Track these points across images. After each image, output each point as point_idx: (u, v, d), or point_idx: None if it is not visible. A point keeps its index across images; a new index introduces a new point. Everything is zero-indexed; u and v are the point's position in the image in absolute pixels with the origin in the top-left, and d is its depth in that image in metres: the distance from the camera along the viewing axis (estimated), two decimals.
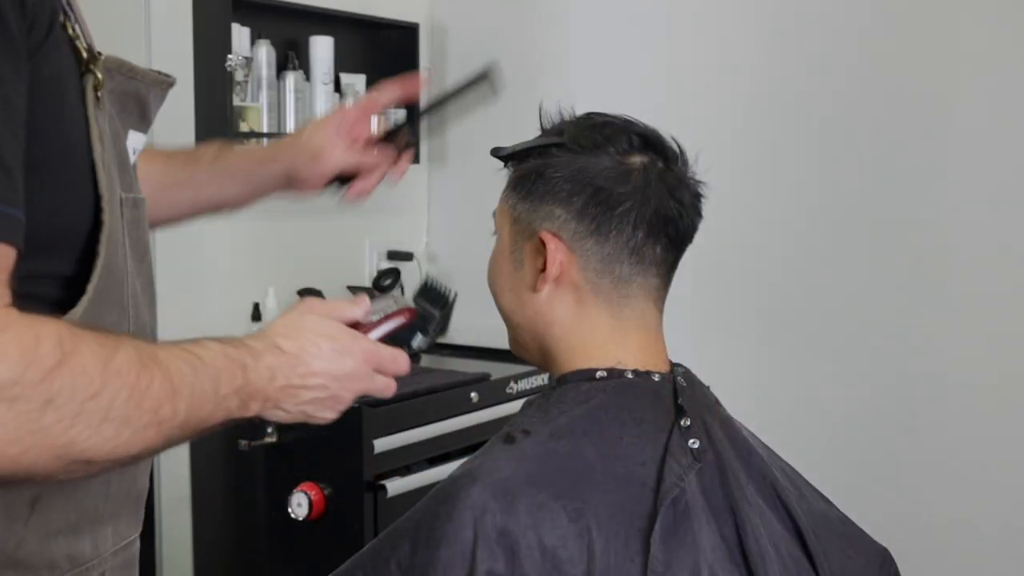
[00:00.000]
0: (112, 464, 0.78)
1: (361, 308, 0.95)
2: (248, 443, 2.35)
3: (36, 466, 0.73)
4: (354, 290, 2.89)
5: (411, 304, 0.95)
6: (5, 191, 0.73)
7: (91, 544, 0.91)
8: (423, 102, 1.19)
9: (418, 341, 0.94)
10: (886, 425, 2.42)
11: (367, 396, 0.93)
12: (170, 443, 0.81)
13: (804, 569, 0.96)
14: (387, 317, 0.95)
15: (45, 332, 0.73)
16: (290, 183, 1.24)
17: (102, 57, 0.91)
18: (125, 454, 0.77)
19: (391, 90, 1.27)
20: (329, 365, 0.89)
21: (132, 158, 0.98)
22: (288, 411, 0.90)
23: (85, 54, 0.88)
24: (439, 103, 1.16)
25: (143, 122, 1.02)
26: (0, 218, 0.73)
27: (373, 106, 1.23)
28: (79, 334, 0.75)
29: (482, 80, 1.15)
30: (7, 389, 0.69)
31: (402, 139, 1.21)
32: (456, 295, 0.95)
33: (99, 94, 0.87)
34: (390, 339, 0.95)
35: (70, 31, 0.87)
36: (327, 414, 0.92)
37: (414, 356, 0.96)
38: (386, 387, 0.94)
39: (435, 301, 0.96)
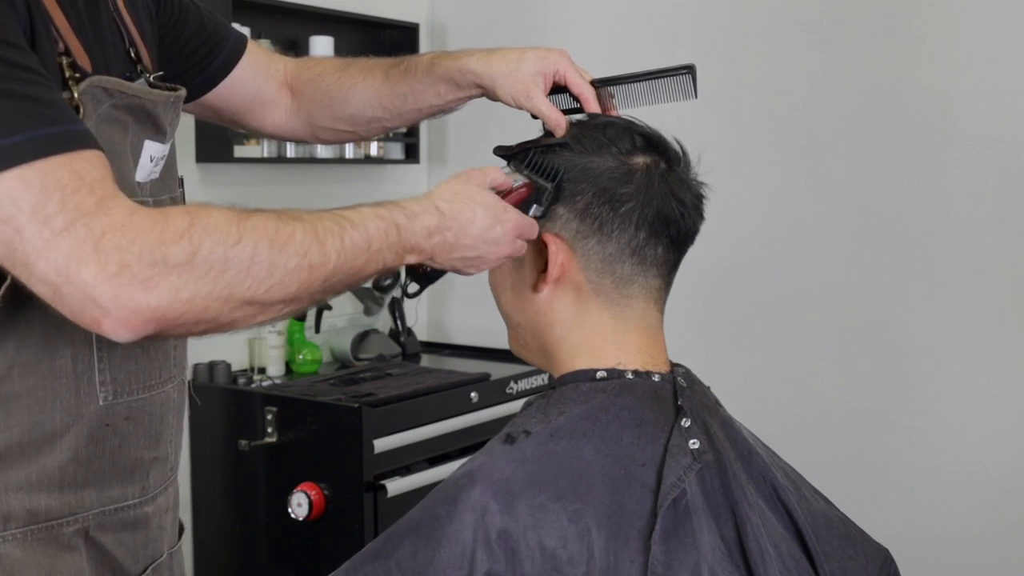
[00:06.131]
0: (282, 305, 0.89)
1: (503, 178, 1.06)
2: (248, 443, 2.35)
3: (211, 311, 0.84)
4: (357, 292, 2.89)
5: (526, 178, 1.03)
6: (68, 114, 0.86)
7: (60, 503, 1.02)
8: (613, 75, 1.16)
9: (533, 211, 1.02)
10: (887, 425, 2.42)
11: (508, 257, 1.03)
12: (332, 288, 0.93)
13: (804, 569, 0.96)
14: (511, 191, 1.03)
15: (173, 209, 0.86)
16: (486, 95, 1.29)
17: (90, 77, 0.98)
18: (285, 294, 0.88)
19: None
20: (482, 231, 0.99)
21: (151, 165, 1.08)
22: (441, 263, 1.01)
23: (67, 72, 0.95)
24: (628, 79, 1.15)
25: (158, 132, 1.09)
26: (80, 133, 0.85)
27: (588, 94, 1.18)
28: (208, 206, 0.88)
29: (682, 73, 1.14)
30: (154, 252, 0.81)
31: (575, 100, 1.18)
32: (564, 170, 1.02)
33: (80, 109, 0.96)
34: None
35: (60, 48, 0.95)
36: (471, 270, 1.02)
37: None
38: (522, 249, 1.03)
39: (544, 175, 1.02)
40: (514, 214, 1.00)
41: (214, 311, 0.85)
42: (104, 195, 0.82)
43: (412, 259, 0.98)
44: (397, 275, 2.72)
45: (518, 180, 1.04)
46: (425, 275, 1.04)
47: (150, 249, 0.81)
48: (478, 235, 0.99)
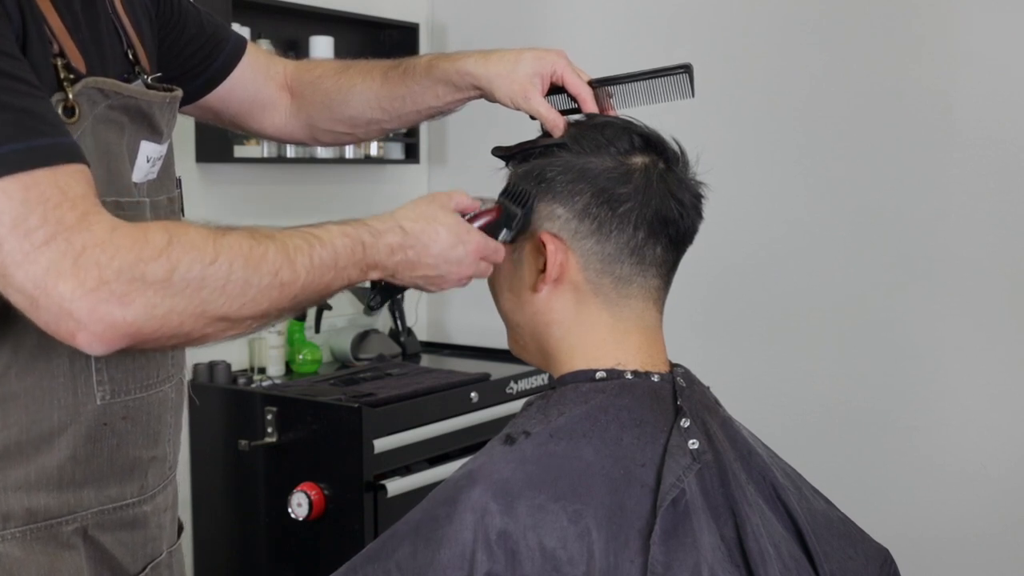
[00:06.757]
0: (252, 321, 0.92)
1: (469, 202, 1.08)
2: (248, 443, 2.35)
3: (185, 326, 0.87)
4: (355, 290, 2.89)
5: (497, 202, 1.04)
6: (56, 127, 0.87)
7: (59, 502, 1.02)
8: (611, 75, 1.17)
9: (503, 235, 1.03)
10: (887, 425, 2.42)
11: (471, 278, 1.05)
12: (299, 304, 0.95)
13: (804, 569, 0.96)
14: (480, 213, 1.05)
15: (152, 226, 0.88)
16: (484, 96, 1.29)
17: (86, 78, 0.98)
18: (256, 311, 0.91)
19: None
20: (443, 251, 1.01)
21: (148, 166, 1.08)
22: (403, 280, 1.03)
23: (62, 73, 0.96)
24: (625, 79, 1.15)
25: (155, 132, 1.10)
26: (67, 145, 0.86)
27: (585, 94, 1.17)
28: (186, 223, 0.90)
29: (679, 72, 1.14)
30: (133, 269, 0.83)
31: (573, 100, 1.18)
32: (535, 196, 1.03)
33: (76, 110, 0.97)
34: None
35: (54, 50, 0.95)
36: (433, 288, 1.05)
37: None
38: (486, 271, 1.06)
39: (517, 200, 1.03)
40: (477, 236, 1.02)
41: (187, 327, 0.87)
42: (86, 210, 0.83)
43: (375, 275, 1.01)
44: None
45: (487, 204, 1.05)
46: (384, 288, 1.06)
47: (129, 266, 0.83)
48: (439, 254, 1.01)
